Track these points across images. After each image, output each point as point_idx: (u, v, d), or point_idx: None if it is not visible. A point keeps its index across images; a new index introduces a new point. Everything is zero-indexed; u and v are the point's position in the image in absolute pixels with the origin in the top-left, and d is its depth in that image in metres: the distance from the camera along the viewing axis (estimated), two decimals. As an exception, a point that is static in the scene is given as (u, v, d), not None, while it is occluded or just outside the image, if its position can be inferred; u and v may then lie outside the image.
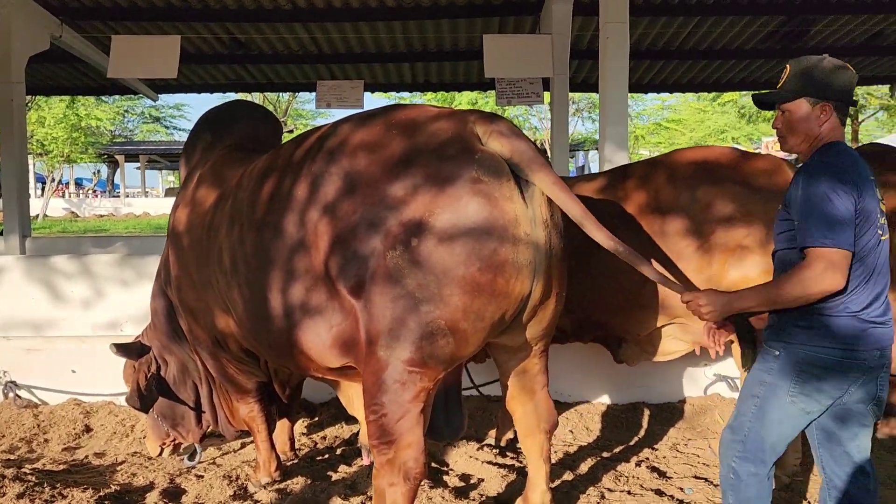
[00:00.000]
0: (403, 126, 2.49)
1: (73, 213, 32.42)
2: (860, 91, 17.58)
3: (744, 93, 17.61)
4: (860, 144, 4.95)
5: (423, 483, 3.47)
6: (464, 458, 3.85)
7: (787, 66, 2.36)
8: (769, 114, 20.05)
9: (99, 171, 43.26)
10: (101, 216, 31.46)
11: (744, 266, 3.27)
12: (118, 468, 3.87)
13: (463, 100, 19.03)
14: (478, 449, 3.95)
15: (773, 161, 3.54)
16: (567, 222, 3.56)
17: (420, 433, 2.42)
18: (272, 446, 3.58)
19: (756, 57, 9.44)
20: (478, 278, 2.31)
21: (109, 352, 3.65)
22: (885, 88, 13.10)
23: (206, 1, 7.41)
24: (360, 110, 3.38)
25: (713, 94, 18.84)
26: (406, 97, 19.56)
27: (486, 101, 20.54)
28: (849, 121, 20.11)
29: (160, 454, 3.86)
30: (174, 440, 3.84)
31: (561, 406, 4.66)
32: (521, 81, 7.04)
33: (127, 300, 4.95)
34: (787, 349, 2.29)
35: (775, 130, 2.42)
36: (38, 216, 28.68)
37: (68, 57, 8.44)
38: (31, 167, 38.09)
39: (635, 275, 2.67)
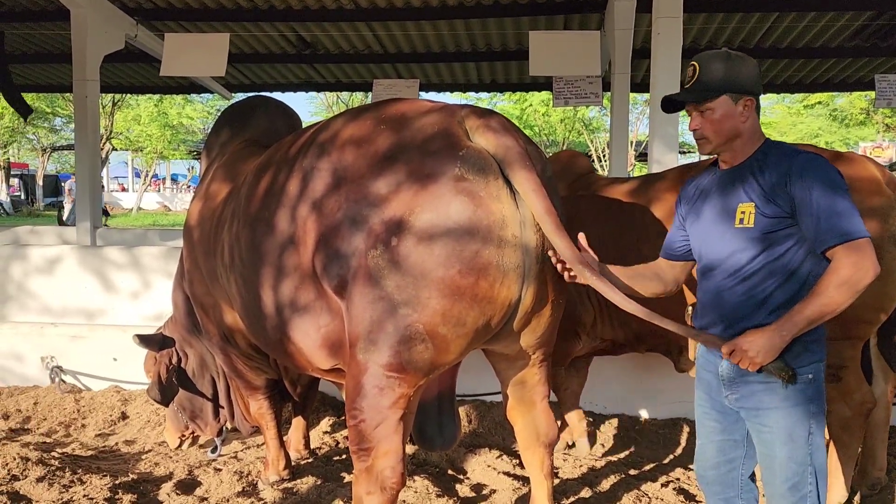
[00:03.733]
0: (392, 120, 2.40)
1: (165, 206, 34.08)
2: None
3: (835, 95, 16.65)
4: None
5: (432, 490, 3.38)
6: (481, 467, 3.72)
7: (695, 63, 2.15)
8: (862, 117, 18.94)
9: (193, 168, 45.21)
10: (191, 210, 32.90)
11: None
12: (143, 457, 3.95)
13: (534, 101, 18.76)
14: (497, 458, 3.81)
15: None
16: (607, 226, 3.52)
17: (399, 441, 2.32)
18: (281, 444, 3.55)
19: (843, 56, 8.86)
20: (458, 281, 2.19)
21: (149, 341, 3.74)
22: None
23: (271, 1, 7.56)
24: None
25: (802, 95, 17.86)
26: (474, 98, 19.53)
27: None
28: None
29: (179, 446, 3.91)
30: (193, 433, 3.88)
31: (596, 418, 4.47)
32: (579, 81, 6.84)
33: (172, 292, 5.07)
34: (818, 368, 2.11)
35: (695, 132, 2.17)
36: (132, 209, 30.29)
37: (145, 56, 8.79)
38: (129, 163, 40.29)
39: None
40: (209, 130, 3.71)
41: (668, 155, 4.94)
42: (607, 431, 4.31)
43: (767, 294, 2.06)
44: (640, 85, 9.69)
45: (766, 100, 21.74)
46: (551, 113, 20.41)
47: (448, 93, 11.20)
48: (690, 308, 2.34)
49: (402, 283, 2.20)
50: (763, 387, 2.10)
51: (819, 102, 19.38)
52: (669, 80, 4.95)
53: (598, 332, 3.67)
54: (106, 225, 10.29)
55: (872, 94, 8.22)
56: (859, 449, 3.29)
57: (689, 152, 26.27)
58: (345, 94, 20.31)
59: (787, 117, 22.17)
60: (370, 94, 8.21)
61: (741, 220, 2.08)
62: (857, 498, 3.41)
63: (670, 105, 2.27)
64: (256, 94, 4.57)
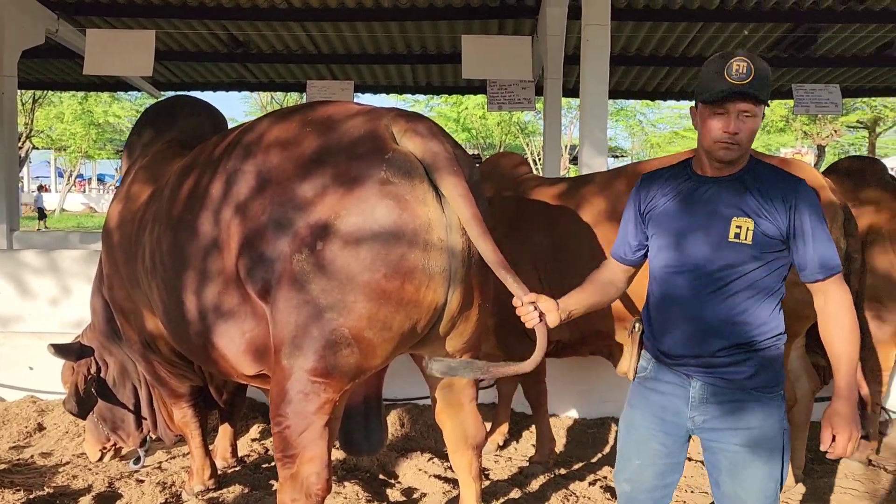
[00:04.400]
0: (319, 123, 2.37)
1: (91, 207, 32.83)
2: (874, 103, 17.20)
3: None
4: (839, 160, 4.75)
5: (362, 495, 3.36)
6: (412, 471, 3.71)
7: (746, 59, 1.89)
8: (782, 124, 19.73)
9: (121, 168, 43.77)
10: (118, 212, 31.78)
11: None
12: (60, 469, 3.78)
13: (471, 104, 18.88)
14: (428, 461, 3.81)
15: None
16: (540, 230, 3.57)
17: (324, 447, 2.29)
18: (207, 453, 3.46)
19: (763, 65, 9.20)
20: (384, 285, 2.18)
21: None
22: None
23: (202, -2, 7.39)
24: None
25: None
26: (411, 100, 19.52)
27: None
28: (866, 133, 19.75)
29: (101, 459, 3.76)
30: (115, 444, 3.75)
31: (527, 420, 4.51)
32: (512, 86, 6.90)
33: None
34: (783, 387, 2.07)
35: (728, 135, 1.92)
36: (55, 210, 29.09)
37: (68, 52, 8.45)
38: (52, 162, 38.70)
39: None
40: (130, 131, 3.59)
41: (597, 158, 5.04)
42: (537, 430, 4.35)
43: (746, 314, 1.98)
44: (573, 90, 9.85)
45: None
46: (488, 116, 20.57)
47: (384, 94, 11.19)
48: (638, 325, 2.17)
49: (328, 287, 2.18)
50: (741, 405, 2.01)
51: (742, 110, 20.07)
52: (598, 86, 5.06)
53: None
54: (46, 227, 9.85)
55: (791, 102, 8.55)
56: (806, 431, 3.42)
57: (622, 156, 26.93)
58: (280, 95, 19.98)
59: (713, 124, 22.92)
60: (305, 95, 8.11)
61: (737, 235, 1.95)
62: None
63: (721, 96, 1.91)
64: (182, 93, 4.45)
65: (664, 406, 2.10)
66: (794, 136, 19.48)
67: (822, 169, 4.91)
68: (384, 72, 10.06)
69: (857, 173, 4.00)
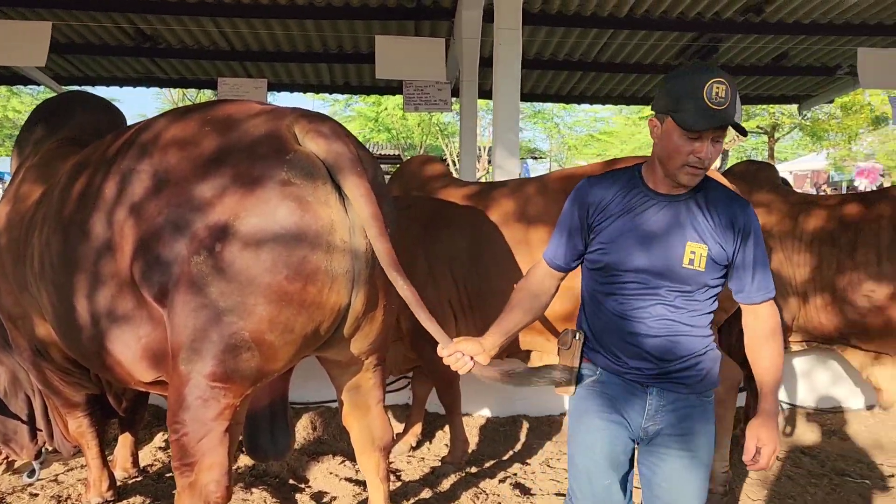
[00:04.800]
0: (218, 122, 2.32)
1: (-10, 207, 30.98)
2: (772, 109, 18.16)
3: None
4: (734, 163, 5.00)
5: (270, 501, 3.30)
6: (323, 475, 3.67)
7: (726, 82, 1.77)
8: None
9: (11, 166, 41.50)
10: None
11: None
12: (-55, 485, 3.56)
13: (390, 104, 18.84)
14: (340, 464, 3.78)
15: None
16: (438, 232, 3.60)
17: (224, 454, 2.23)
18: (105, 464, 3.32)
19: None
20: (285, 287, 2.15)
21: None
22: (792, 108, 13.46)
23: (105, -11, 7.09)
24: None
25: (638, 108, 19.16)
26: (330, 99, 19.28)
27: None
28: (765, 138, 20.81)
29: (-9, 471, 3.56)
30: (7, 457, 3.55)
31: (440, 420, 4.54)
32: (428, 87, 6.94)
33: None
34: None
35: (699, 160, 1.83)
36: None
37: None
38: (-54, 159, 36.31)
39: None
40: (22, 126, 3.40)
41: (510, 160, 5.12)
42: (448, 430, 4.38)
43: (696, 328, 1.96)
44: (490, 92, 9.98)
45: (608, 111, 23.09)
46: (408, 117, 20.57)
47: (300, 93, 11.06)
48: (579, 334, 2.06)
49: (227, 290, 2.13)
50: (692, 410, 2.00)
51: (651, 114, 20.82)
52: (510, 89, 5.14)
53: (463, 335, 3.67)
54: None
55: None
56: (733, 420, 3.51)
57: (541, 158, 27.42)
58: (192, 91, 19.38)
59: (626, 127, 23.69)
60: (217, 92, 7.89)
61: (691, 261, 1.89)
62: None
63: (706, 126, 1.79)
64: (81, 88, 4.26)
65: (621, 409, 2.01)
66: (701, 140, 20.34)
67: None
68: (300, 70, 9.92)
69: (750, 176, 4.21)
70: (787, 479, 3.74)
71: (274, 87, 10.34)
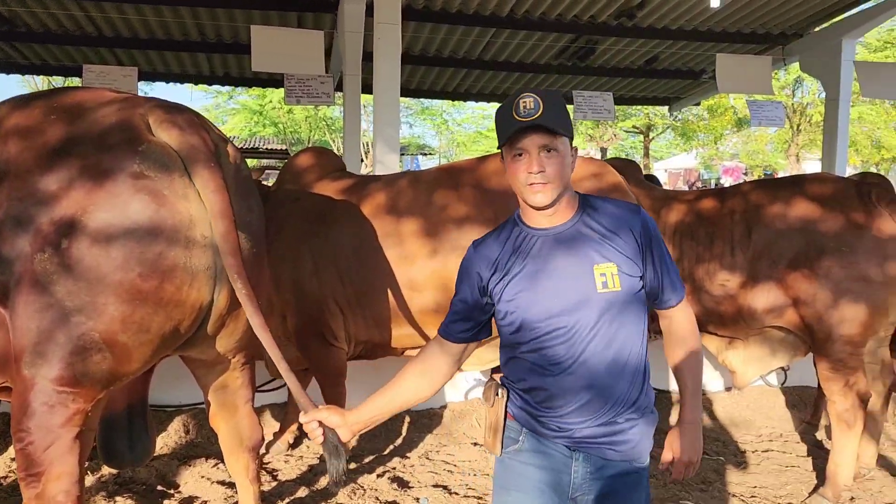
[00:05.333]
0: (65, 110, 2.19)
1: None
2: (646, 110, 19.16)
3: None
4: (608, 158, 5.23)
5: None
6: (195, 479, 3.55)
7: (534, 95, 1.75)
8: (579, 125, 21.35)
9: None
10: None
11: None
12: None
13: (275, 97, 18.42)
14: (213, 467, 3.67)
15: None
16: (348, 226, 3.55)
17: (74, 462, 2.11)
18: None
19: (550, 72, 9.86)
20: (139, 285, 2.05)
21: None
22: (665, 109, 14.23)
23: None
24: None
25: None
26: (214, 91, 18.66)
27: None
28: (641, 137, 21.89)
29: None
30: None
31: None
32: (311, 80, 6.80)
33: None
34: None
35: (534, 174, 1.75)
36: None
37: None
38: None
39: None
40: None
41: (390, 155, 5.13)
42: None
43: (628, 365, 1.80)
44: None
45: (494, 108, 23.47)
46: (295, 110, 20.18)
47: (176, 84, 10.52)
48: (501, 391, 1.91)
49: (75, 289, 2.02)
50: (625, 478, 1.84)
51: (536, 113, 21.45)
52: (390, 84, 5.13)
53: (354, 335, 3.63)
54: None
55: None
56: None
57: (430, 154, 27.59)
58: (59, 79, 18.16)
59: (512, 126, 24.24)
60: (82, 80, 7.43)
61: (604, 284, 1.75)
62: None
63: (512, 132, 1.75)
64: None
65: (546, 482, 1.85)
66: (581, 138, 21.14)
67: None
68: (176, 59, 9.50)
69: (617, 171, 4.40)
70: (650, 458, 3.94)
71: (148, 76, 9.90)
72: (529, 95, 1.74)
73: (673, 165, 25.83)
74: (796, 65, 9.34)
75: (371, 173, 4.49)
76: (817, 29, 8.38)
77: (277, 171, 4.02)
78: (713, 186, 21.98)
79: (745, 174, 21.78)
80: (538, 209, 1.79)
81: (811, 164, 21.74)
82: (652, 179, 6.03)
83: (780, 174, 21.42)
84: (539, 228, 1.82)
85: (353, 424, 1.93)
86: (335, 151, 20.97)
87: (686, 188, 20.60)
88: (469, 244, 1.96)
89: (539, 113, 1.72)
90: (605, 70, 9.83)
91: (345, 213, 3.58)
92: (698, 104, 13.31)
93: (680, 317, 1.92)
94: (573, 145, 1.82)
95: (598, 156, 20.93)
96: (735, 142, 22.35)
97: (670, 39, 8.50)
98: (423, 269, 3.36)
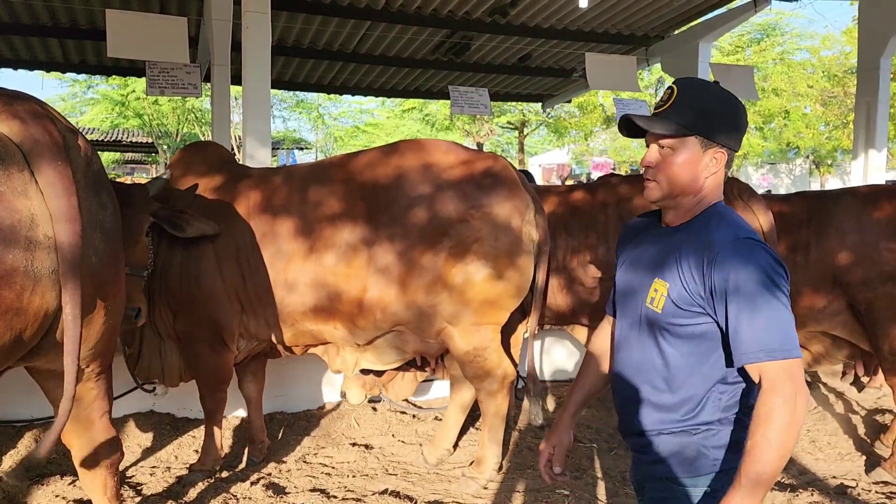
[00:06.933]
0: None
1: None
2: (521, 107, 19.69)
3: (427, 101, 18.70)
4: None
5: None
6: (48, 498, 3.27)
7: (674, 86, 1.65)
8: (447, 122, 21.55)
9: None
10: None
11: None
12: None
13: (139, 87, 17.40)
14: (70, 484, 3.39)
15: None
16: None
17: None
18: None
19: (427, 67, 9.89)
20: (-28, 292, 1.84)
21: None
22: (538, 106, 14.66)
23: None
24: None
25: (401, 100, 19.68)
26: (70, 79, 17.48)
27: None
28: (516, 133, 22.47)
29: None
30: None
31: (189, 424, 4.27)
32: (175, 70, 6.44)
33: None
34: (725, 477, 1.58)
35: (644, 168, 1.68)
36: None
37: None
38: None
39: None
40: None
41: (261, 150, 4.94)
42: (200, 436, 4.13)
43: (658, 392, 1.67)
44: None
45: (372, 102, 23.34)
46: (161, 101, 19.12)
47: (26, 70, 9.69)
48: None
49: None
50: (669, 489, 1.68)
51: (413, 108, 21.57)
52: (260, 76, 4.95)
53: (254, 333, 3.48)
54: None
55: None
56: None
57: (307, 149, 27.04)
58: None
59: (390, 120, 24.17)
60: None
61: (651, 300, 1.65)
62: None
63: (631, 128, 1.70)
64: None
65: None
66: (458, 134, 21.40)
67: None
68: (25, 45, 8.78)
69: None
70: (528, 449, 4.03)
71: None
72: (671, 86, 1.65)
73: (547, 161, 26.66)
74: (658, 65, 9.86)
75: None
76: (677, 32, 8.90)
77: (143, 166, 3.79)
78: (585, 181, 22.93)
79: (614, 169, 22.84)
80: (650, 202, 1.70)
81: (672, 160, 23.12)
82: (527, 175, 6.16)
83: (645, 169, 22.61)
84: (660, 224, 1.74)
85: (570, 427, 1.92)
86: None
87: (559, 183, 21.35)
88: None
89: (665, 106, 1.63)
90: (481, 66, 9.97)
91: (245, 207, 3.42)
92: (570, 102, 13.80)
93: (761, 388, 1.49)
94: (714, 147, 1.61)
95: (476, 151, 21.26)
96: (604, 138, 23.33)
97: (542, 38, 8.74)
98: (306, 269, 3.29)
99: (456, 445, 3.98)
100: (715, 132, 1.61)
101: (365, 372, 4.09)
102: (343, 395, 4.36)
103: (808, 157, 23.42)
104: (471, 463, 3.70)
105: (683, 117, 1.60)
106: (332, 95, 19.33)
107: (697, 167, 1.62)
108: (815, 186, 24.55)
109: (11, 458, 3.69)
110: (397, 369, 4.09)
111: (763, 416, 1.46)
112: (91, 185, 2.14)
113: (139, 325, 3.14)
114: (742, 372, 1.55)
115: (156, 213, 3.17)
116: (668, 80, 17.74)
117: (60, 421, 2.01)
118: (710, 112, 1.61)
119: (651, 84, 17.82)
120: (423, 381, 4.50)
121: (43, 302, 1.99)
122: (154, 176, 3.26)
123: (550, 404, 4.87)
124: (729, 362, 1.56)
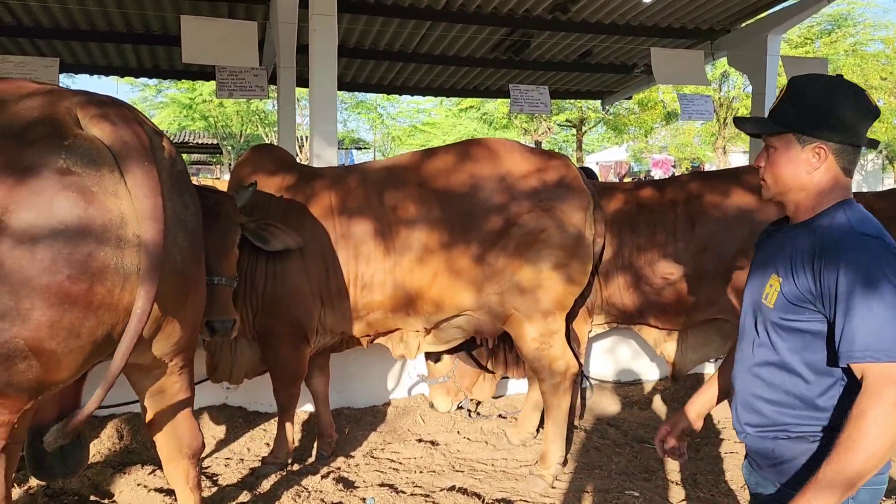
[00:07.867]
0: (-19, 103, 2.04)
1: None
2: (580, 104, 19.45)
3: (485, 100, 18.65)
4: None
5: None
6: (131, 487, 3.40)
7: (791, 82, 1.65)
8: (505, 121, 21.45)
9: None
10: None
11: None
12: None
13: (206, 90, 17.91)
14: (150, 474, 3.52)
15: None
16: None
17: (0, 478, 1.99)
18: None
19: (486, 66, 9.88)
20: (68, 288, 1.94)
21: None
22: (598, 103, 14.48)
23: None
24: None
25: (458, 100, 19.70)
26: (141, 83, 18.09)
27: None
28: (574, 131, 22.22)
29: None
30: None
31: (260, 417, 4.38)
32: (244, 73, 6.63)
33: None
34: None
35: (758, 169, 1.71)
36: None
37: None
38: None
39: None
40: None
41: (328, 150, 5.03)
42: (272, 431, 4.24)
43: (772, 389, 1.65)
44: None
45: (429, 102, 23.42)
46: (226, 104, 19.65)
47: (101, 76, 10.07)
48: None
49: (-3, 294, 1.89)
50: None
51: (471, 107, 21.58)
52: (327, 77, 5.03)
53: (330, 328, 3.59)
54: None
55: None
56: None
57: (365, 149, 27.38)
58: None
59: (447, 119, 24.25)
60: (-4, 72, 7.03)
61: (767, 296, 1.65)
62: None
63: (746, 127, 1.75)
64: None
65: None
66: (516, 132, 21.31)
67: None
68: (101, 51, 9.13)
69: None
70: (595, 449, 4.00)
71: (70, 68, 9.47)
72: (788, 84, 1.65)
73: (605, 158, 26.33)
74: (723, 59, 9.62)
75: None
76: (744, 25, 8.66)
77: (207, 167, 3.92)
78: (643, 178, 22.56)
79: (674, 166, 22.40)
80: (765, 200, 1.74)
81: (737, 157, 22.53)
82: (589, 172, 6.11)
83: (707, 166, 22.12)
84: (787, 225, 1.73)
85: (696, 419, 1.97)
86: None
87: (618, 180, 21.05)
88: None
89: (776, 104, 1.64)
90: (540, 64, 9.91)
91: (323, 206, 3.54)
92: (630, 98, 13.59)
93: (862, 386, 1.45)
94: (814, 142, 1.59)
95: (534, 149, 21.10)
96: (664, 135, 22.94)
97: (603, 34, 8.63)
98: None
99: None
100: (809, 127, 1.59)
101: (433, 358, 4.20)
102: (431, 405, 4.46)
103: (881, 151, 22.48)
104: (536, 462, 3.69)
105: (782, 114, 1.61)
106: (390, 96, 19.53)
107: (798, 164, 1.61)
108: (888, 183, 23.53)
109: (95, 448, 3.84)
110: (478, 366, 4.29)
111: (855, 415, 1.42)
112: (175, 185, 2.23)
113: (233, 336, 3.18)
114: (848, 372, 1.52)
115: (244, 226, 3.26)
116: (734, 74, 17.33)
117: (94, 402, 2.08)
118: (807, 107, 1.59)
119: (715, 79, 17.40)
120: (501, 378, 4.54)
121: (132, 298, 2.07)
122: (242, 186, 3.36)
123: (614, 405, 4.81)
124: (834, 361, 1.53)
